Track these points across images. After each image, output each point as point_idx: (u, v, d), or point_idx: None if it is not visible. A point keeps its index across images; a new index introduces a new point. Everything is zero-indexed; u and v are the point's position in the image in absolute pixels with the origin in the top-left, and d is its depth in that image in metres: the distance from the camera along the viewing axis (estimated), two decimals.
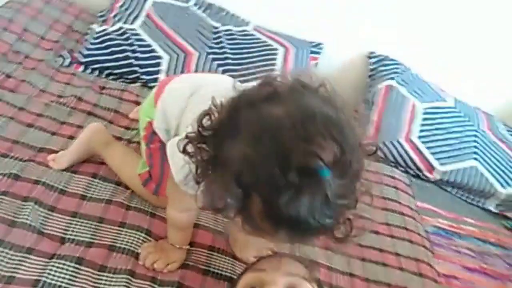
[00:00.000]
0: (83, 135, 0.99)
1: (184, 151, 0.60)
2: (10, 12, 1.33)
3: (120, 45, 1.29)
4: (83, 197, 0.93)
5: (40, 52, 1.27)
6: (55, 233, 0.85)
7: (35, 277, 0.77)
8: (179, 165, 0.67)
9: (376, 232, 1.18)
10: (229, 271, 0.92)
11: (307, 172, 0.48)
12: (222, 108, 0.57)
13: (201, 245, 0.94)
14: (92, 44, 1.29)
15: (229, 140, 0.53)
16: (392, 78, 1.54)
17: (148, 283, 0.83)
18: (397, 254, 1.13)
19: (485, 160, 1.46)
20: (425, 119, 1.47)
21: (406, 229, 1.22)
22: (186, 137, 0.60)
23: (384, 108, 1.48)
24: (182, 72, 1.30)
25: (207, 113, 0.59)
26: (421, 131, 1.45)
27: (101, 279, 0.81)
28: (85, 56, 1.27)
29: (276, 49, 1.47)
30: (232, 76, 0.80)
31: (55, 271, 0.78)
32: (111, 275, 0.82)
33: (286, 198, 0.49)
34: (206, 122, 0.59)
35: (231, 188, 0.51)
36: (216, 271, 0.91)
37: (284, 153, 0.49)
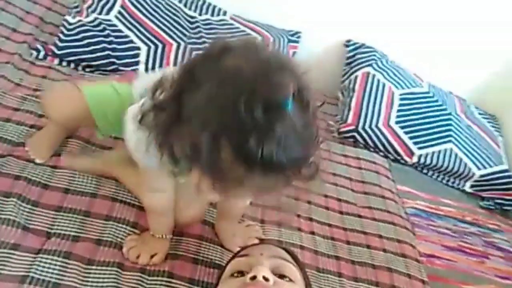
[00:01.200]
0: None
1: (142, 122, 0.60)
2: None
3: (96, 36, 1.26)
4: (66, 191, 0.91)
5: (13, 45, 1.22)
6: (40, 228, 0.83)
7: (23, 273, 0.75)
8: (133, 131, 0.66)
9: (360, 216, 1.21)
10: (218, 259, 0.92)
11: (272, 106, 0.49)
12: (176, 72, 0.57)
13: (190, 235, 0.94)
14: (66, 36, 1.25)
15: (190, 95, 0.53)
16: (369, 65, 1.57)
17: (138, 274, 0.83)
18: (380, 236, 1.16)
19: (460, 143, 1.51)
20: (401, 104, 1.51)
21: (388, 211, 1.25)
22: (142, 109, 0.60)
23: (362, 95, 1.51)
24: (161, 63, 1.28)
25: (161, 81, 0.59)
26: (398, 116, 1.49)
27: (89, 273, 0.80)
28: (60, 48, 1.24)
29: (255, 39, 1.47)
30: None
31: (43, 266, 0.77)
32: (99, 267, 0.81)
33: (255, 137, 0.49)
34: (160, 91, 0.59)
35: (200, 138, 0.50)
36: (205, 259, 0.92)
37: (247, 93, 0.49)
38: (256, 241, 1.00)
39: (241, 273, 0.70)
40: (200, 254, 0.92)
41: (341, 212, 1.20)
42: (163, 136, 0.57)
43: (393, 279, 1.05)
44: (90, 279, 0.79)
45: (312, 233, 1.10)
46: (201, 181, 0.56)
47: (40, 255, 0.79)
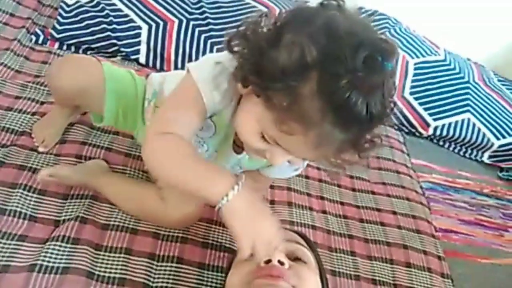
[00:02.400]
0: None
1: (230, 48, 0.58)
2: None
3: (95, 17, 1.22)
4: None
5: (11, 30, 1.20)
6: (47, 217, 0.83)
7: (31, 262, 0.75)
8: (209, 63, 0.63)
9: (373, 192, 1.18)
10: (228, 242, 0.91)
11: (376, 57, 0.49)
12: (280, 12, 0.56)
13: (199, 219, 0.93)
14: (65, 18, 1.22)
15: (298, 25, 0.52)
16: (382, 33, 1.50)
17: (146, 260, 0.82)
18: (394, 213, 1.14)
19: (478, 112, 1.45)
20: (416, 74, 1.45)
21: (403, 187, 1.22)
22: (236, 35, 0.57)
23: None
24: (163, 42, 1.24)
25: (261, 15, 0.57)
26: (413, 87, 1.43)
27: (98, 258, 0.80)
28: (59, 31, 1.21)
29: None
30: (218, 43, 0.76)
31: (51, 253, 0.77)
32: (107, 253, 0.81)
33: (348, 80, 0.48)
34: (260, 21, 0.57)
35: (293, 59, 0.49)
36: (215, 243, 0.90)
37: (357, 39, 0.49)
38: None
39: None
40: (210, 238, 0.91)
41: (353, 189, 1.17)
42: (254, 55, 0.54)
43: (409, 256, 1.03)
44: (98, 264, 0.79)
45: (324, 212, 1.08)
46: (257, 117, 0.54)
47: (48, 243, 0.78)
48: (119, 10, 1.24)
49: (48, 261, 0.76)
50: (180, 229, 0.88)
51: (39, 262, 0.75)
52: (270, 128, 0.53)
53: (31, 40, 1.21)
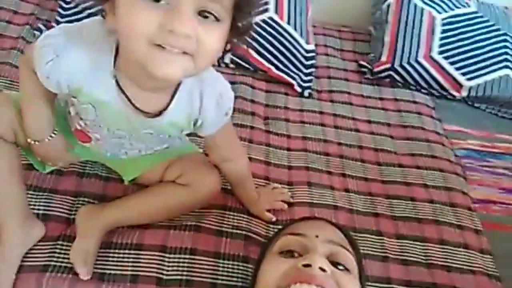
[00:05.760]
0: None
1: None
2: None
3: (95, 5, 1.18)
4: (81, 175, 0.89)
5: (15, 29, 1.18)
6: (60, 215, 0.83)
7: (44, 263, 0.75)
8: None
9: (400, 165, 1.10)
10: (244, 228, 0.87)
11: None
12: None
13: (212, 205, 0.89)
14: (66, 10, 1.20)
15: None
16: None
17: (158, 253, 0.80)
18: (425, 186, 1.05)
19: None
20: (445, 31, 1.31)
21: (434, 156, 1.13)
22: None
23: (397, 26, 1.33)
24: None
25: None
26: (442, 45, 1.30)
27: (108, 255, 0.78)
28: (61, 24, 1.18)
29: None
30: None
31: (65, 253, 0.76)
32: (117, 250, 0.79)
33: None
34: None
35: None
36: (230, 230, 0.87)
37: None
38: (284, 205, 0.93)
39: (291, 253, 0.64)
40: (224, 225, 0.87)
41: (378, 164, 1.10)
42: None
43: (442, 233, 0.96)
44: (109, 261, 0.77)
45: (347, 190, 1.01)
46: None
47: (60, 242, 0.78)
48: None
49: (62, 262, 0.75)
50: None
51: (52, 263, 0.75)
52: None
53: (34, 35, 1.19)
